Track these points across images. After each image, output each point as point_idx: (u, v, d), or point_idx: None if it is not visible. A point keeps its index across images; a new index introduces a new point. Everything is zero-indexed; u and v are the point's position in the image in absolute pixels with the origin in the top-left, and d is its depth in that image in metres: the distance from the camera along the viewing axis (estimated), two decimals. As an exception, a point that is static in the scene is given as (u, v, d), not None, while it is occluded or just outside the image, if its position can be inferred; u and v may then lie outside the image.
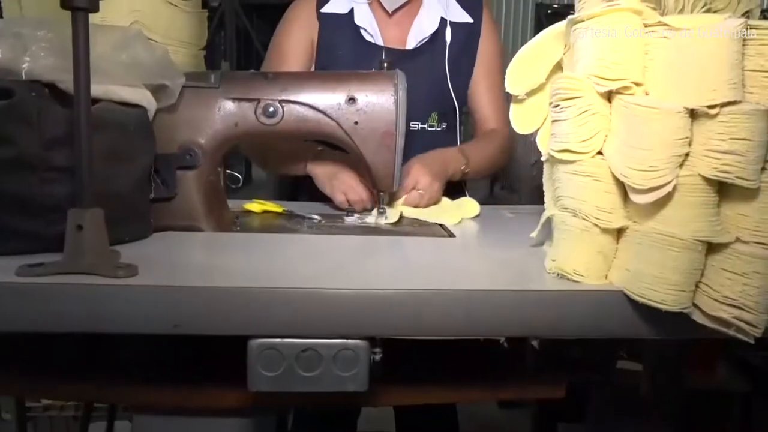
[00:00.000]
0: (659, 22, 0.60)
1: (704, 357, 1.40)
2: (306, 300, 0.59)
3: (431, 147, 1.17)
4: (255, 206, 1.03)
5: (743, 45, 0.56)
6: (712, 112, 0.55)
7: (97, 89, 0.74)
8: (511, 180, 1.72)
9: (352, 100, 0.90)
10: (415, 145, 1.13)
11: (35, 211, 0.67)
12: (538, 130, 0.80)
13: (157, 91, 0.82)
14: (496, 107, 1.27)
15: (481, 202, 1.09)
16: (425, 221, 0.99)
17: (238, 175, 1.01)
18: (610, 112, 0.64)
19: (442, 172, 1.09)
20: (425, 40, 1.21)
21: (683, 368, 1.20)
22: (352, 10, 1.21)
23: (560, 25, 0.72)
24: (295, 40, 1.21)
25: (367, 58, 1.16)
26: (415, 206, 1.04)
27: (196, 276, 0.63)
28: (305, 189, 1.19)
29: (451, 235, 0.89)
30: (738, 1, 0.85)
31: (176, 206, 0.86)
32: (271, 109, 0.88)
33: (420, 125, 1.22)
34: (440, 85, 1.22)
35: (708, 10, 0.79)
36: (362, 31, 1.20)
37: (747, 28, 0.56)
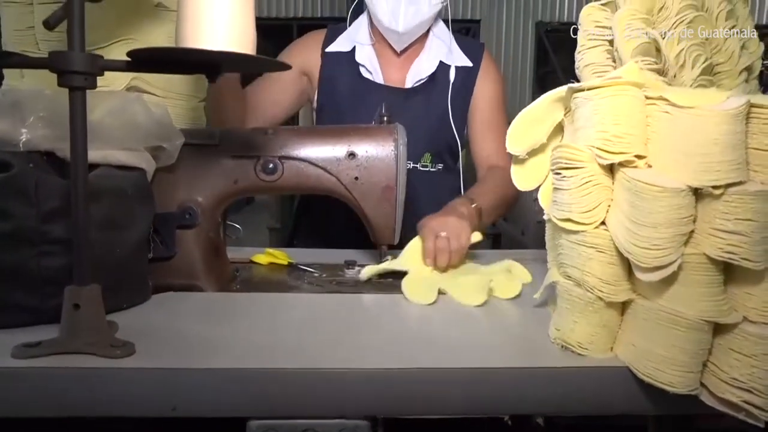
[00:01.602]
0: (661, 96, 0.59)
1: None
2: (305, 380, 0.58)
3: (424, 187, 1.20)
4: (262, 258, 1.02)
5: (746, 122, 0.56)
6: (717, 192, 0.54)
7: (95, 155, 0.74)
8: (515, 215, 1.72)
9: (351, 155, 0.89)
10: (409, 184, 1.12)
11: (32, 285, 0.67)
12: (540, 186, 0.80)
13: (156, 150, 0.82)
14: (498, 144, 1.25)
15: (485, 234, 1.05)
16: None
17: (239, 227, 1.01)
18: (613, 182, 0.63)
19: (453, 211, 1.01)
20: (423, 81, 1.23)
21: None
22: (354, 48, 1.25)
23: (561, 90, 0.72)
24: (288, 78, 1.24)
25: (366, 95, 1.21)
26: (449, 254, 0.91)
27: (194, 353, 0.62)
28: (308, 210, 1.21)
29: (452, 291, 0.88)
30: (739, 55, 0.85)
31: (176, 265, 0.86)
32: (271, 165, 0.88)
33: (412, 164, 1.23)
34: (435, 125, 1.24)
35: (709, 65, 0.80)
36: (362, 69, 1.24)
37: (749, 108, 0.55)
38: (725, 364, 0.56)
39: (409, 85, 1.24)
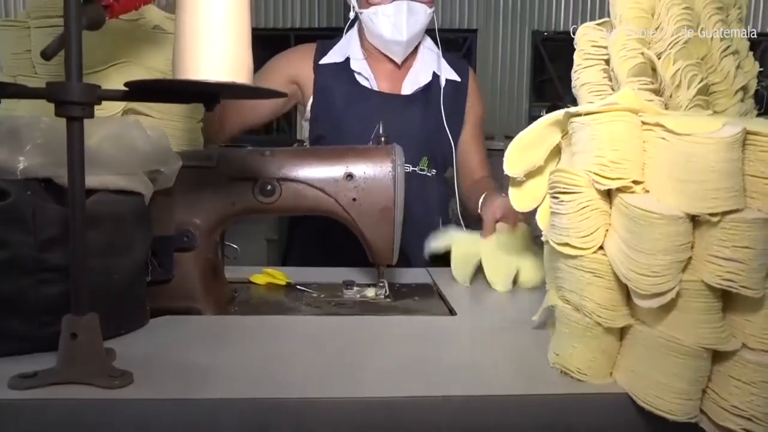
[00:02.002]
0: (657, 123, 0.59)
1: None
2: (303, 410, 0.58)
3: (421, 190, 1.26)
4: (260, 278, 1.02)
5: (742, 149, 0.56)
6: (714, 219, 0.54)
7: (92, 180, 0.73)
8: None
9: (349, 176, 0.90)
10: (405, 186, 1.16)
11: (29, 313, 0.66)
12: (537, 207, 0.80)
13: (154, 174, 0.82)
14: (482, 159, 1.36)
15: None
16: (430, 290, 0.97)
17: (236, 247, 1.01)
18: (611, 207, 0.63)
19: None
20: (418, 90, 1.28)
21: None
22: (348, 59, 1.29)
23: (558, 114, 0.72)
24: (278, 73, 1.29)
25: (363, 101, 1.25)
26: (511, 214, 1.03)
27: (192, 382, 0.62)
28: (302, 221, 1.25)
29: (452, 312, 0.88)
30: (734, 75, 0.85)
31: (174, 288, 0.86)
32: (269, 187, 0.88)
33: (410, 168, 1.27)
34: (432, 131, 1.28)
35: (705, 85, 0.80)
36: (357, 76, 1.27)
37: (745, 136, 0.55)
38: (725, 392, 0.56)
39: (406, 92, 1.29)
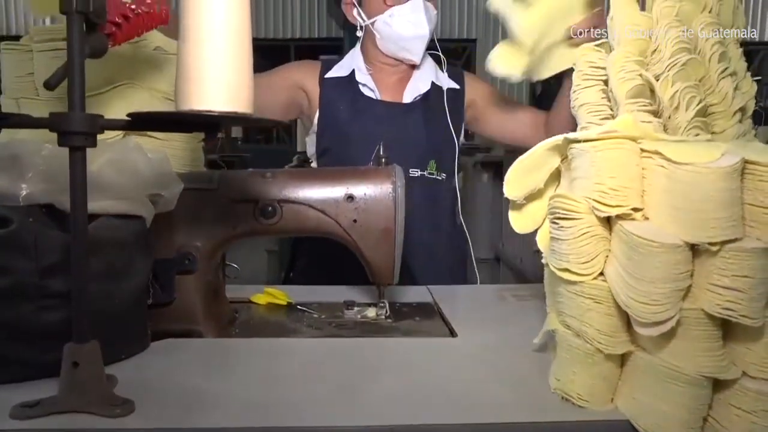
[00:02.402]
0: (656, 150, 0.60)
1: None
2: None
3: (430, 194, 1.29)
4: (261, 298, 1.02)
5: (741, 178, 0.56)
6: (713, 248, 0.55)
7: (94, 206, 0.74)
8: (513, 243, 1.72)
9: (350, 197, 0.90)
10: (414, 191, 1.20)
11: (30, 339, 0.67)
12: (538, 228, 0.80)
13: (155, 197, 0.82)
14: (527, 109, 1.39)
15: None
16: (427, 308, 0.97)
17: (237, 267, 1.01)
18: (610, 233, 0.64)
19: None
20: (419, 98, 1.33)
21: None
22: (353, 72, 1.33)
23: (557, 139, 0.72)
24: (282, 79, 1.33)
25: (367, 111, 1.29)
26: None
27: (193, 410, 0.62)
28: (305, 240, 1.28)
29: (453, 333, 0.88)
30: (732, 96, 0.86)
31: (175, 310, 0.86)
32: (270, 209, 0.88)
33: (419, 172, 1.30)
34: (437, 134, 1.32)
35: (703, 107, 0.80)
36: (362, 87, 1.32)
37: (744, 165, 0.55)
38: (725, 420, 0.56)
39: (407, 100, 1.33)
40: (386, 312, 0.95)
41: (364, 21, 1.30)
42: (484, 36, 7.45)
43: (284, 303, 1.02)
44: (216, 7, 0.54)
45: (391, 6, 1.26)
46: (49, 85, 0.58)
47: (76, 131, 0.57)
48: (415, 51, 1.29)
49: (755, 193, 0.56)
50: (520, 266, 1.76)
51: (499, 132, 1.40)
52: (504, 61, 1.04)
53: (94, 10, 0.59)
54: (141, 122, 0.58)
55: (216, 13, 0.54)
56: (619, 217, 0.62)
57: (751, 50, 7.67)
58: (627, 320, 0.62)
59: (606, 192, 0.61)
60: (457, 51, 7.61)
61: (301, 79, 1.33)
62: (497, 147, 4.11)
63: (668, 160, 0.58)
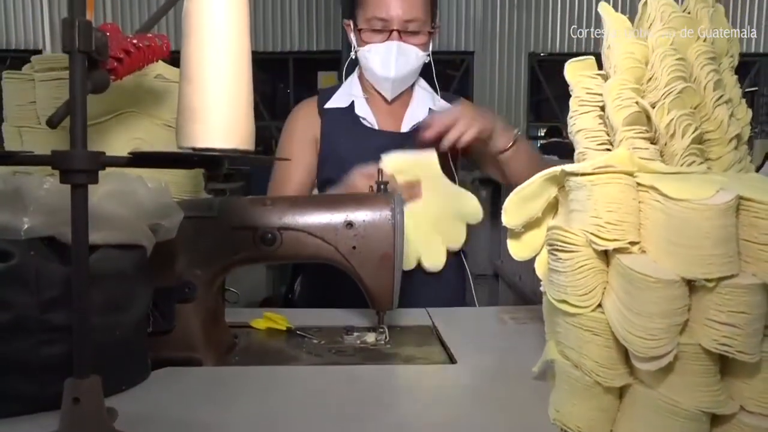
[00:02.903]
0: (652, 186, 0.60)
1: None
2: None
3: None
4: (261, 323, 1.02)
5: (737, 214, 0.57)
6: (710, 285, 0.55)
7: (95, 237, 0.74)
8: (512, 259, 1.74)
9: (349, 224, 0.90)
10: None
11: (31, 374, 0.67)
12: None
13: (155, 226, 0.83)
14: None
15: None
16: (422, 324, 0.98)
17: (237, 292, 1.01)
18: (608, 266, 0.64)
19: (488, 114, 1.21)
20: (417, 126, 1.32)
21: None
22: (352, 103, 1.35)
23: (554, 170, 0.73)
24: (299, 143, 1.35)
25: (366, 141, 1.30)
26: (448, 124, 1.15)
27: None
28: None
29: (452, 359, 0.88)
30: (728, 124, 0.87)
31: (174, 338, 0.86)
32: (270, 236, 0.89)
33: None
34: None
35: (699, 134, 0.81)
36: (361, 120, 1.33)
37: (739, 202, 0.56)
38: (724, 454, 0.57)
39: (405, 129, 1.35)
40: (386, 337, 0.96)
41: (354, 47, 1.33)
42: (481, 49, 7.51)
43: (283, 328, 1.02)
44: (218, 49, 0.55)
45: (367, 42, 1.29)
46: (52, 123, 0.59)
47: (79, 169, 0.58)
48: (385, 88, 1.32)
49: (750, 229, 0.56)
50: (519, 284, 1.77)
51: (481, 164, 1.42)
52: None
53: (97, 48, 0.60)
54: (142, 160, 0.59)
55: (218, 55, 0.55)
56: (616, 250, 0.62)
57: (747, 61, 7.74)
58: (626, 353, 0.63)
59: (603, 226, 0.62)
60: (455, 63, 7.66)
61: (309, 128, 1.35)
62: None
63: (664, 195, 0.59)
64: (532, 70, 7.54)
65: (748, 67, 7.79)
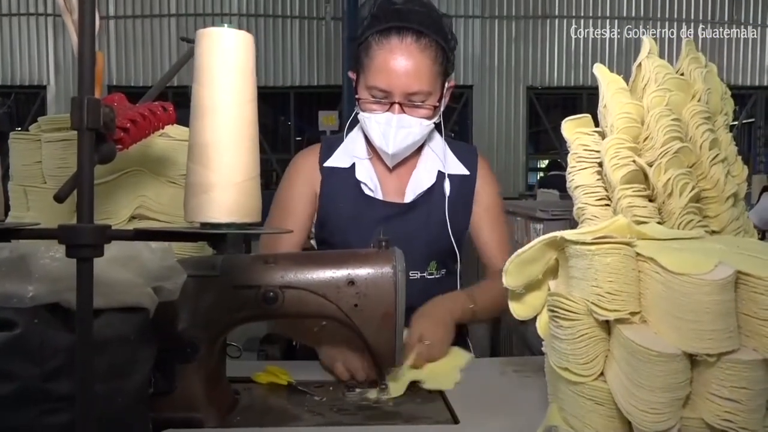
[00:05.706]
0: (651, 257, 0.61)
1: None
2: None
3: (431, 295, 1.19)
4: (262, 377, 1.02)
5: (736, 288, 0.57)
6: (711, 360, 0.56)
7: (99, 301, 0.75)
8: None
9: (351, 282, 0.91)
10: (414, 293, 1.13)
11: (34, 444, 0.67)
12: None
13: (158, 287, 0.83)
14: (501, 248, 1.32)
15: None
16: (428, 388, 0.98)
17: (238, 346, 1.01)
18: (609, 334, 0.65)
19: (446, 316, 1.12)
20: (422, 194, 1.26)
21: None
22: (353, 165, 1.27)
23: (553, 235, 0.74)
24: (298, 196, 1.27)
25: (368, 212, 1.23)
26: (427, 359, 1.03)
27: None
28: None
29: (455, 419, 0.88)
30: (725, 182, 0.88)
31: (176, 398, 0.86)
32: (272, 294, 0.89)
33: (419, 274, 1.25)
34: (438, 234, 1.26)
35: (697, 193, 0.82)
36: (363, 186, 1.25)
37: (737, 278, 0.57)
38: None
39: (408, 199, 1.27)
40: (387, 393, 0.95)
41: (357, 105, 1.25)
42: (480, 82, 7.62)
43: (285, 383, 1.01)
44: (225, 131, 0.56)
45: (368, 111, 1.20)
46: (59, 198, 0.60)
47: (85, 244, 0.59)
48: (386, 158, 1.24)
49: (749, 303, 0.57)
50: (521, 328, 1.77)
51: (473, 236, 1.35)
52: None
53: (105, 123, 0.62)
54: (148, 234, 0.59)
55: (225, 136, 0.56)
56: (617, 320, 0.63)
57: (743, 94, 7.82)
58: (629, 423, 0.63)
59: (603, 296, 0.63)
60: (454, 96, 7.76)
61: (309, 180, 1.28)
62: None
63: (663, 268, 0.59)
64: (530, 102, 7.64)
65: (744, 99, 7.89)
